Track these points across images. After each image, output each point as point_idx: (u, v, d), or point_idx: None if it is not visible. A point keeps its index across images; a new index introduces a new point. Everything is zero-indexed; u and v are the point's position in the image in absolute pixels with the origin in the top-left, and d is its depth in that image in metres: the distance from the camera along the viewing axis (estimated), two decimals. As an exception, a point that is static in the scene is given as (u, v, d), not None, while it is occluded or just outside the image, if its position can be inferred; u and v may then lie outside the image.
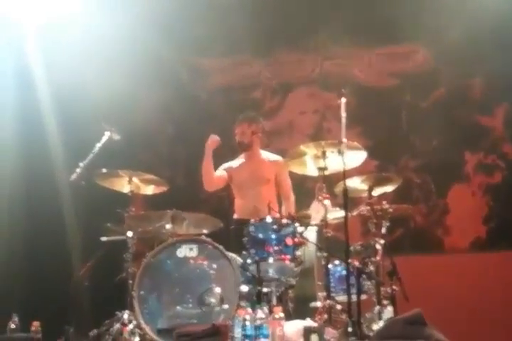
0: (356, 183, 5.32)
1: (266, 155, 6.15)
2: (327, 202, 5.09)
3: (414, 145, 7.72)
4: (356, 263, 5.01)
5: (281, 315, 4.41)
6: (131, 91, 7.41)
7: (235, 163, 6.16)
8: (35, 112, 7.18)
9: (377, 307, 4.98)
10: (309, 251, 5.31)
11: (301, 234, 5.05)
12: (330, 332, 4.56)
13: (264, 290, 4.91)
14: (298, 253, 5.00)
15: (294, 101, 8.05)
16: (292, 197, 6.05)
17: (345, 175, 4.84)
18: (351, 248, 5.02)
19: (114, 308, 5.21)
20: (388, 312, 4.94)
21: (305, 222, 5.18)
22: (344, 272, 5.01)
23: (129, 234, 5.41)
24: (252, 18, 7.42)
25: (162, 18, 7.47)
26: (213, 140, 5.95)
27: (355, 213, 5.34)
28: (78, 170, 5.56)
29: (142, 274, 5.10)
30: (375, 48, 7.97)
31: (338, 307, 4.91)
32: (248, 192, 5.99)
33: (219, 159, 6.16)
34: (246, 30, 7.55)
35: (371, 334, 4.54)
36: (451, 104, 7.64)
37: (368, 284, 5.16)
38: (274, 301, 4.90)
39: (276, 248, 4.94)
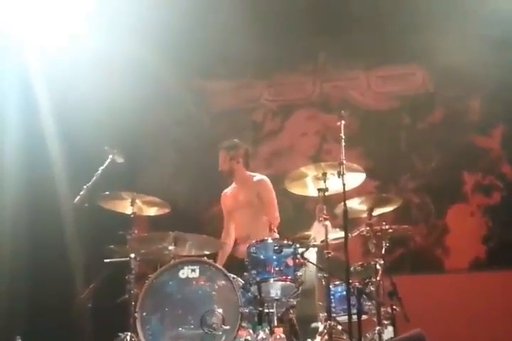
0: (356, 204, 5.34)
1: (251, 177, 6.14)
2: (327, 222, 5.13)
3: (414, 166, 7.79)
4: (357, 284, 5.04)
5: (283, 335, 4.43)
6: (134, 115, 7.48)
7: (228, 190, 6.24)
8: (38, 135, 7.21)
9: (377, 328, 5.00)
10: (310, 272, 5.34)
11: (301, 254, 5.08)
12: (331, 353, 4.59)
13: (266, 310, 4.94)
14: (299, 273, 5.03)
15: (295, 123, 8.14)
16: (276, 214, 5.99)
17: (345, 196, 4.89)
18: (351, 268, 5.06)
19: (117, 330, 5.23)
20: (389, 332, 4.96)
21: (306, 242, 5.22)
22: (345, 292, 5.02)
23: (132, 255, 5.45)
24: (253, 41, 7.50)
25: (165, 41, 7.55)
26: None
27: (355, 234, 5.37)
28: (82, 192, 5.62)
29: (145, 295, 5.11)
30: (373, 71, 8.08)
31: (339, 327, 4.91)
32: (235, 216, 6.07)
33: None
34: (247, 54, 7.65)
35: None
36: (450, 125, 7.71)
37: (368, 304, 5.17)
38: (275, 322, 4.93)
39: (277, 268, 4.98)
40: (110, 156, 5.80)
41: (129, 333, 5.11)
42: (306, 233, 5.33)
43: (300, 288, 5.06)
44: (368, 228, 5.33)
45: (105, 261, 5.68)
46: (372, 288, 5.17)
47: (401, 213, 6.50)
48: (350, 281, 4.80)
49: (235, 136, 6.67)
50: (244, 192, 6.08)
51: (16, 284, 6.80)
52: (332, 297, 5.13)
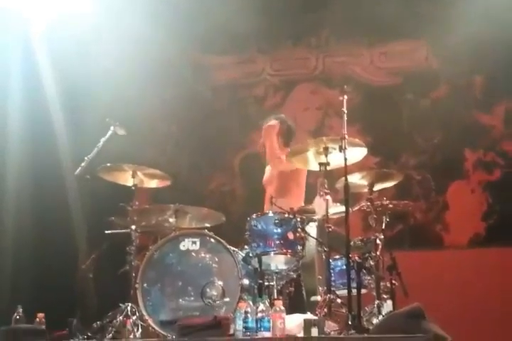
0: (357, 179, 5.35)
1: None
2: (328, 197, 5.14)
3: (415, 142, 7.78)
4: (356, 258, 5.06)
5: (282, 308, 4.46)
6: (136, 88, 7.48)
7: None
8: (42, 108, 7.22)
9: (376, 302, 5.04)
10: (310, 246, 5.37)
11: (302, 228, 5.10)
12: (330, 326, 4.62)
13: (266, 283, 4.98)
14: (299, 247, 5.06)
15: (297, 97, 8.12)
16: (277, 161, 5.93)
17: (346, 170, 4.89)
18: (352, 243, 5.07)
19: (118, 300, 5.27)
20: (388, 306, 4.98)
21: (308, 216, 5.25)
22: (344, 267, 5.04)
23: (133, 227, 5.48)
24: (255, 15, 7.45)
25: (166, 16, 7.51)
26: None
27: (355, 208, 5.39)
28: (83, 164, 5.62)
29: (145, 267, 5.15)
30: (376, 46, 8.05)
31: (339, 301, 4.94)
32: None
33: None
34: (250, 28, 7.59)
35: (371, 327, 4.59)
36: (452, 101, 7.69)
37: (368, 279, 5.21)
38: (275, 294, 4.97)
39: (277, 242, 5.00)
40: (112, 128, 5.80)
41: (130, 304, 5.14)
42: (308, 207, 5.36)
43: (300, 261, 5.10)
44: (368, 203, 5.34)
45: (106, 232, 5.71)
46: (371, 263, 5.19)
47: (402, 189, 6.54)
48: (350, 255, 4.81)
49: (237, 110, 6.69)
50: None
51: (18, 254, 6.84)
52: (332, 271, 5.15)
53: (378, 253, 5.21)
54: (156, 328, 4.92)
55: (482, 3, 7.23)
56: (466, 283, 6.91)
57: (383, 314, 4.87)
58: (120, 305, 5.20)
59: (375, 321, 4.83)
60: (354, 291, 4.80)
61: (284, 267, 5.08)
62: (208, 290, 4.95)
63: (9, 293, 6.44)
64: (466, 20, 7.26)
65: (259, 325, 4.39)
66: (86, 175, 5.62)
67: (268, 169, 6.21)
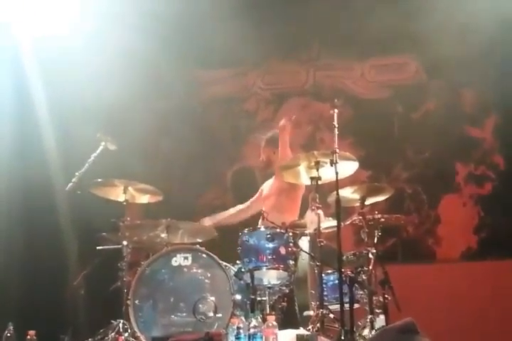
0: (348, 193, 5.36)
1: None
2: (320, 211, 5.13)
3: (406, 155, 7.79)
4: (349, 273, 5.04)
5: (275, 323, 4.44)
6: (127, 103, 7.46)
7: None
8: (32, 123, 7.20)
9: (369, 316, 5.03)
10: (302, 260, 5.36)
11: (294, 243, 5.10)
12: (323, 341, 4.61)
13: (258, 298, 4.96)
14: (291, 262, 5.05)
15: (288, 111, 8.12)
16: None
17: (338, 185, 4.89)
18: (344, 257, 5.07)
19: (109, 317, 5.24)
20: (380, 320, 4.98)
21: (300, 231, 5.24)
22: (337, 281, 5.01)
23: (124, 243, 5.46)
24: (247, 29, 7.48)
25: (158, 30, 7.52)
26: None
27: (347, 223, 5.38)
28: (74, 179, 5.61)
29: (137, 283, 5.14)
30: (367, 60, 8.08)
31: (331, 316, 4.94)
32: None
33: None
34: (241, 42, 7.61)
35: (364, 342, 4.58)
36: (442, 115, 7.71)
37: (360, 293, 5.20)
38: (268, 310, 4.95)
39: (269, 257, 4.99)
40: (103, 143, 5.80)
41: (122, 320, 5.13)
42: (299, 221, 5.35)
43: (292, 276, 5.08)
44: (360, 217, 5.34)
45: (97, 248, 5.69)
46: (364, 277, 5.20)
47: (393, 203, 6.55)
48: (343, 270, 4.80)
49: (228, 124, 6.69)
50: None
51: (9, 271, 6.79)
52: (324, 285, 5.14)
53: (371, 267, 5.20)
54: (148, 345, 4.89)
55: (471, 18, 7.26)
56: (458, 297, 6.90)
57: (376, 329, 4.86)
58: (112, 321, 5.18)
59: (367, 336, 4.81)
60: (347, 306, 4.78)
61: (277, 282, 5.06)
62: (200, 306, 4.95)
63: (-1, 310, 6.39)
64: (455, 35, 7.30)
65: (251, 341, 4.37)
66: (77, 190, 5.61)
67: (268, 184, 6.20)
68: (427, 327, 4.23)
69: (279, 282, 5.06)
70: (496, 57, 7.38)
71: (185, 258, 5.14)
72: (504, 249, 7.14)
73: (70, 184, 5.61)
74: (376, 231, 5.36)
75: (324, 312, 4.86)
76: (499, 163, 7.58)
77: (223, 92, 8.28)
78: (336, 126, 5.02)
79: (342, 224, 4.91)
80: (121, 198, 5.64)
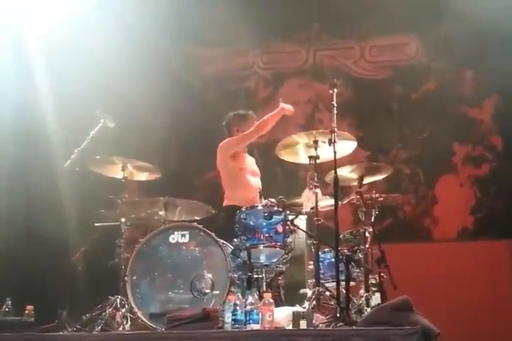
0: (347, 172, 5.38)
1: None
2: (318, 190, 5.15)
3: (405, 136, 7.80)
4: (345, 251, 5.07)
5: (271, 300, 4.47)
6: (126, 80, 7.42)
7: None
8: (32, 100, 7.19)
9: (365, 294, 5.06)
10: (300, 239, 5.38)
11: (291, 221, 5.11)
12: (318, 318, 4.63)
13: (255, 276, 4.98)
14: (288, 240, 5.08)
15: (287, 91, 8.12)
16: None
17: (336, 164, 4.90)
18: (341, 236, 5.10)
19: (107, 293, 5.28)
20: (376, 298, 5.00)
21: (296, 209, 5.25)
22: (333, 259, 5.05)
23: (122, 220, 5.48)
24: (247, 8, 7.46)
25: (159, 7, 7.49)
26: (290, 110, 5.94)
27: (345, 202, 5.41)
28: (73, 156, 5.62)
29: (135, 260, 5.14)
30: (367, 40, 8.06)
31: (327, 293, 4.97)
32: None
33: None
34: (241, 20, 7.58)
35: (359, 320, 4.61)
36: (441, 96, 7.72)
37: (356, 271, 5.24)
38: (264, 287, 4.98)
39: (266, 235, 5.01)
40: (102, 120, 5.80)
41: (119, 296, 5.17)
42: (297, 200, 5.37)
43: (289, 254, 5.11)
44: (358, 196, 5.36)
45: (96, 224, 5.71)
46: (360, 256, 5.23)
47: (391, 183, 6.57)
48: (339, 248, 4.82)
49: (228, 103, 6.66)
50: None
51: (8, 247, 6.82)
52: (321, 263, 5.17)
53: (367, 246, 5.23)
54: (146, 321, 4.92)
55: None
56: (454, 276, 6.94)
57: (371, 306, 4.89)
58: (109, 297, 5.22)
59: (363, 313, 4.85)
60: (343, 284, 4.81)
61: (273, 260, 5.08)
62: (197, 282, 4.96)
63: (-2, 286, 6.42)
64: (456, 15, 7.27)
65: (248, 318, 4.39)
66: (76, 167, 5.62)
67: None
68: (422, 305, 4.27)
69: (275, 260, 5.08)
70: (497, 38, 7.35)
71: (183, 235, 5.14)
72: (500, 230, 7.18)
73: (69, 161, 5.61)
74: (373, 211, 5.39)
75: (320, 289, 4.89)
76: (497, 144, 7.60)
77: (222, 70, 8.26)
78: (335, 105, 5.01)
79: (340, 202, 4.93)
80: (120, 175, 5.66)
